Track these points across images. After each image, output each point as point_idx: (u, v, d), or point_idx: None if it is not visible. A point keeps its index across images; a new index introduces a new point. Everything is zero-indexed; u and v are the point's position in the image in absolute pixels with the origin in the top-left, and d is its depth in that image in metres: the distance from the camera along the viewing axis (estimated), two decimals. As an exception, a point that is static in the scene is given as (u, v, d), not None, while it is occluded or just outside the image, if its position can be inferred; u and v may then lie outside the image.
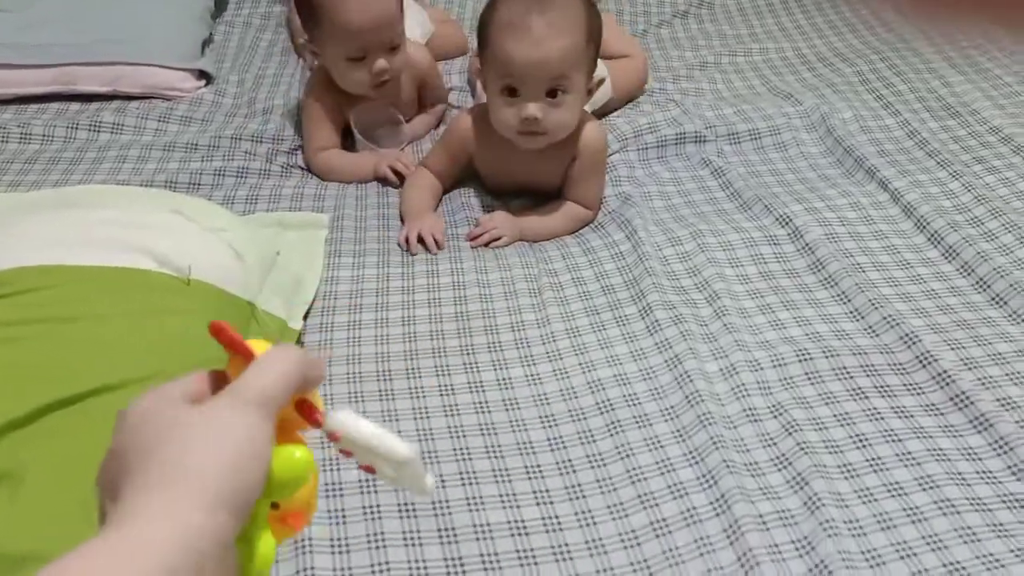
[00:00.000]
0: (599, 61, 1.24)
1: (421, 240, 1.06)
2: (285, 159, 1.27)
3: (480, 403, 0.87)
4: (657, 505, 0.77)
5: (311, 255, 1.02)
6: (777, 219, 1.12)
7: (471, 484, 0.79)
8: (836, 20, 1.65)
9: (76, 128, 1.29)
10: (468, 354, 0.93)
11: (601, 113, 1.34)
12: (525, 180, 1.16)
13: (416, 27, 1.41)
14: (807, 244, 1.08)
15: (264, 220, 1.07)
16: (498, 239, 1.09)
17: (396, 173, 1.21)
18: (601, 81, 1.11)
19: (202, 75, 1.43)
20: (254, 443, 0.37)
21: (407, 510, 0.75)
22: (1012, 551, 0.74)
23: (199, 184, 1.19)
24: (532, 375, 0.91)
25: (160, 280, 0.79)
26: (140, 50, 1.39)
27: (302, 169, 1.26)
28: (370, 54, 1.19)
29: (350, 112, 1.26)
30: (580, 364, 0.92)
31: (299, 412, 0.41)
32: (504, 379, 0.90)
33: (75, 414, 0.66)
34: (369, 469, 0.42)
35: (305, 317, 0.96)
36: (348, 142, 1.28)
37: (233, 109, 1.38)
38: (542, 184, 1.15)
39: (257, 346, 0.41)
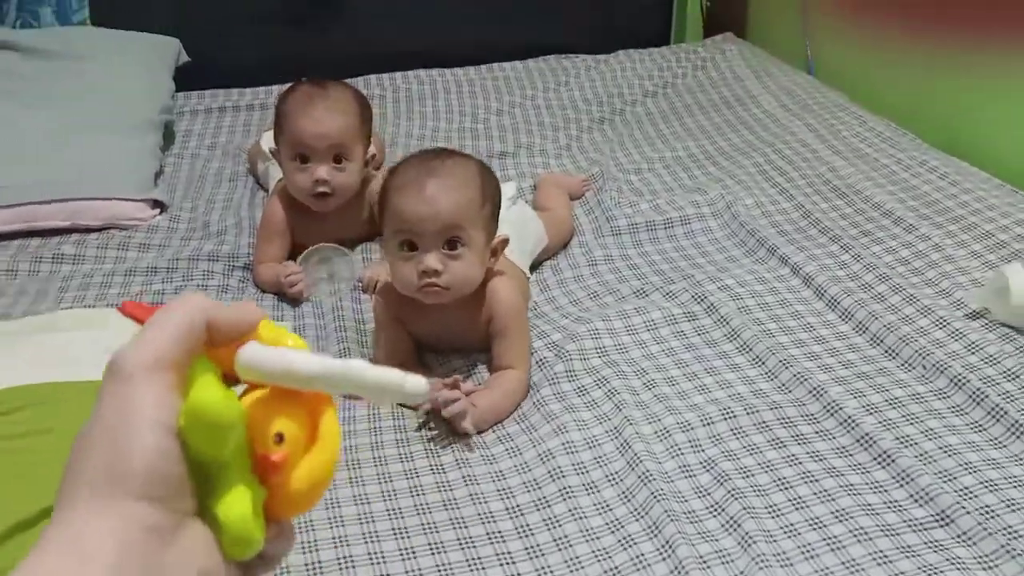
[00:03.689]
0: (535, 213, 1.37)
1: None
2: (241, 274, 1.36)
3: (440, 474, 0.96)
4: (610, 557, 0.86)
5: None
6: (693, 297, 1.25)
7: (434, 539, 0.86)
8: (732, 119, 1.84)
9: (39, 261, 1.36)
10: (430, 428, 1.02)
11: (538, 262, 1.37)
12: (448, 339, 1.15)
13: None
14: (722, 317, 1.21)
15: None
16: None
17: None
18: (505, 241, 1.11)
19: (156, 204, 1.53)
20: (126, 412, 0.33)
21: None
22: (920, 568, 0.84)
23: (162, 304, 1.27)
24: (488, 456, 1.00)
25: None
26: (96, 185, 1.49)
27: (258, 283, 1.36)
28: (314, 160, 1.31)
29: (300, 234, 1.37)
30: (530, 440, 1.02)
31: None
32: (462, 460, 0.99)
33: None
34: (351, 398, 0.41)
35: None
36: (293, 258, 1.38)
37: (188, 233, 1.47)
38: (464, 342, 1.15)
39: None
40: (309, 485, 0.37)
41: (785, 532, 0.88)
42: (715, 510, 0.92)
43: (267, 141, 1.51)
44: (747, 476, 0.95)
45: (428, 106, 1.94)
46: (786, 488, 0.94)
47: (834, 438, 1.01)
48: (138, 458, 0.32)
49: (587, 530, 0.89)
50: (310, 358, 0.36)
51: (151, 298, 1.28)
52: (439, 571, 0.84)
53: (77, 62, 1.72)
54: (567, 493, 0.93)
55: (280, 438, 0.36)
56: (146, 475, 0.32)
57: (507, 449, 1.01)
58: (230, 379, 0.37)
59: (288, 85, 1.82)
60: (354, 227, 1.44)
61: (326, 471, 0.37)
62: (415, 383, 0.37)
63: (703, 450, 0.99)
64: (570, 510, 0.91)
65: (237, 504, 0.35)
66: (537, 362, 1.14)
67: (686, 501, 0.93)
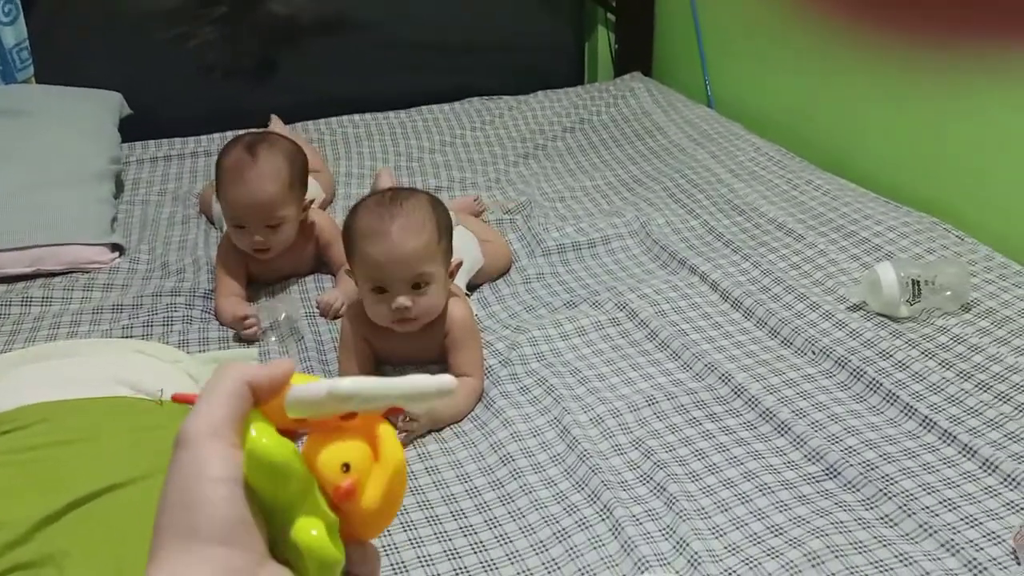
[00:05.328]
0: (471, 235, 1.48)
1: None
2: (203, 305, 1.47)
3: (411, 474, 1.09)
4: (558, 521, 1.00)
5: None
6: (616, 305, 1.42)
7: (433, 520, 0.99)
8: (643, 149, 2.04)
9: (9, 305, 1.44)
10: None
11: (473, 284, 1.49)
12: (408, 354, 1.27)
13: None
14: (642, 320, 1.38)
15: (202, 359, 1.26)
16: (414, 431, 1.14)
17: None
18: (459, 264, 1.25)
19: (115, 248, 1.62)
20: (193, 471, 0.37)
21: None
22: (814, 512, 1.01)
23: (131, 337, 1.37)
24: (446, 449, 1.14)
25: (138, 404, 0.98)
26: (57, 232, 1.57)
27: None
28: (248, 227, 1.43)
29: (254, 267, 1.50)
30: (482, 433, 1.16)
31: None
32: (424, 453, 1.13)
33: (95, 507, 0.83)
34: (391, 411, 0.41)
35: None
36: (250, 290, 1.50)
37: (148, 273, 1.57)
38: (423, 356, 1.26)
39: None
40: (380, 503, 0.39)
41: (703, 492, 1.04)
42: (644, 479, 1.07)
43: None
44: (670, 450, 1.11)
45: (365, 147, 2.08)
46: (702, 457, 1.10)
47: (741, 415, 1.18)
48: (207, 508, 0.36)
49: (536, 501, 1.03)
50: (346, 379, 0.38)
51: (120, 333, 1.37)
52: (411, 544, 0.97)
53: (27, 118, 1.80)
54: (517, 473, 1.08)
55: (347, 467, 0.38)
56: (217, 521, 0.36)
57: (463, 443, 1.15)
58: (285, 434, 0.39)
59: (230, 134, 1.92)
60: (304, 262, 1.57)
61: (393, 485, 0.40)
62: (444, 380, 0.39)
63: (631, 431, 1.15)
64: (521, 487, 1.06)
65: (310, 527, 0.37)
66: (484, 369, 1.28)
67: (619, 473, 1.08)
